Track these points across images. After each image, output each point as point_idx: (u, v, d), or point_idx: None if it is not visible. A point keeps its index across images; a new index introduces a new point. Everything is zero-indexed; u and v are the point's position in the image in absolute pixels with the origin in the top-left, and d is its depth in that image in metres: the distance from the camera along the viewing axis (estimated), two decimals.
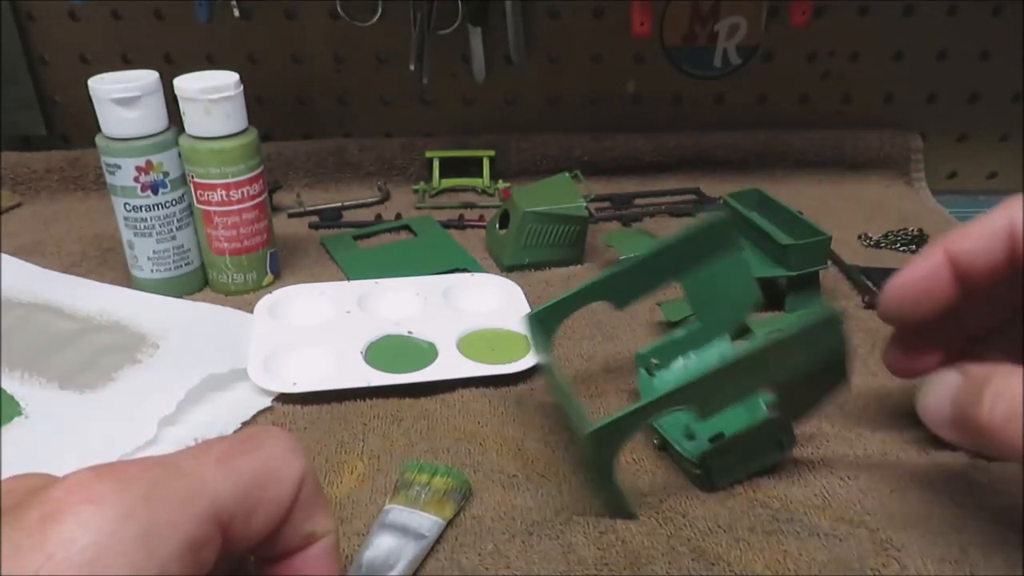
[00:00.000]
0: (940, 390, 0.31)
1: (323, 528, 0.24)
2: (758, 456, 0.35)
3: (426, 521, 0.32)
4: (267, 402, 0.41)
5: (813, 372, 0.32)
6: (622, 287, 0.38)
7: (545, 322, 0.39)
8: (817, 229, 0.48)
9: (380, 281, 0.51)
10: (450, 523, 0.33)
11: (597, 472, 0.33)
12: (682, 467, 0.36)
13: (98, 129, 0.48)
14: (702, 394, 0.31)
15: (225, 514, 0.21)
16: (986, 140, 0.75)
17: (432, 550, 0.32)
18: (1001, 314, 0.34)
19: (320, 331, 0.46)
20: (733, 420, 0.36)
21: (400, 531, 0.32)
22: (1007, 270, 0.31)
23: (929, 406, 0.31)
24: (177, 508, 0.20)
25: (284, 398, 0.41)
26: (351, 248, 0.59)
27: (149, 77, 0.48)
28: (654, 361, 0.41)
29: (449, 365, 0.43)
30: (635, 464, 0.37)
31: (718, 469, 0.35)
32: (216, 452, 0.22)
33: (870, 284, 0.52)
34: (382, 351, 0.45)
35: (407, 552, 0.31)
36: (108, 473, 0.19)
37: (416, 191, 0.68)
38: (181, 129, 0.49)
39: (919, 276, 0.33)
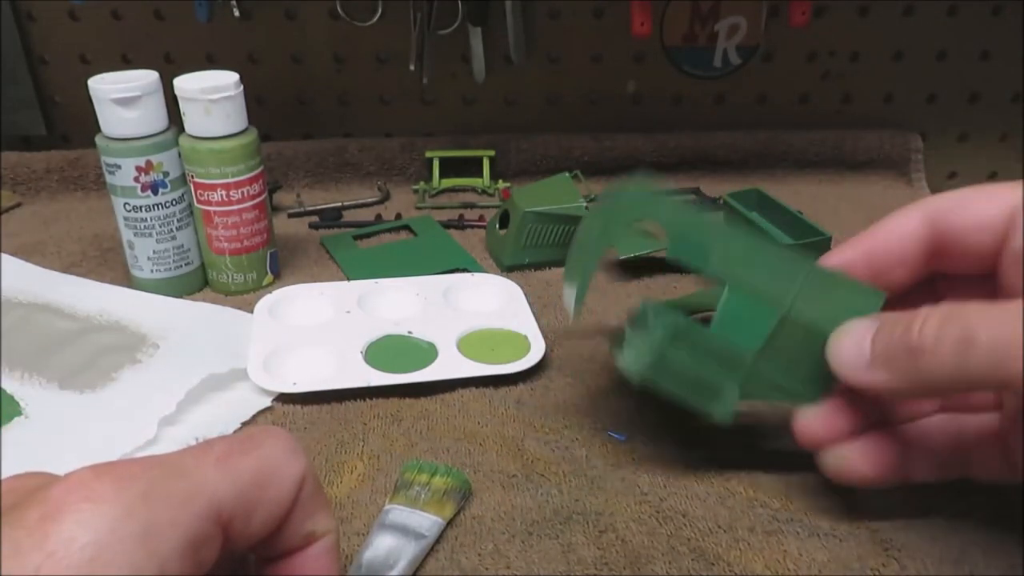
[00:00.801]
0: (857, 332, 0.30)
1: (323, 527, 0.24)
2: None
3: (426, 521, 0.32)
4: (267, 402, 0.41)
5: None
6: None
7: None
8: (817, 229, 0.48)
9: (380, 281, 0.51)
10: (450, 523, 0.33)
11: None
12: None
13: (98, 129, 0.48)
14: (724, 244, 0.30)
15: (225, 513, 0.21)
16: (986, 140, 0.75)
17: (432, 550, 0.32)
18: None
19: (320, 331, 0.46)
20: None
21: (400, 531, 0.32)
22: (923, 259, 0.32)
23: (844, 348, 0.30)
24: (177, 507, 0.20)
25: (284, 398, 0.41)
26: (351, 248, 0.59)
27: (149, 77, 0.48)
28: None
29: (449, 365, 0.43)
30: (635, 463, 0.37)
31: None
32: (216, 452, 0.22)
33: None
34: (382, 351, 0.45)
35: (407, 552, 0.31)
36: (107, 472, 0.19)
37: (416, 191, 0.68)
38: (181, 129, 0.49)
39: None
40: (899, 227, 0.32)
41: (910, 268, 0.32)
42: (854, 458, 0.31)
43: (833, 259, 0.33)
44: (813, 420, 0.32)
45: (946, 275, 0.33)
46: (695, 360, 0.33)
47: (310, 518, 0.24)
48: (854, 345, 0.29)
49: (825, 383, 0.32)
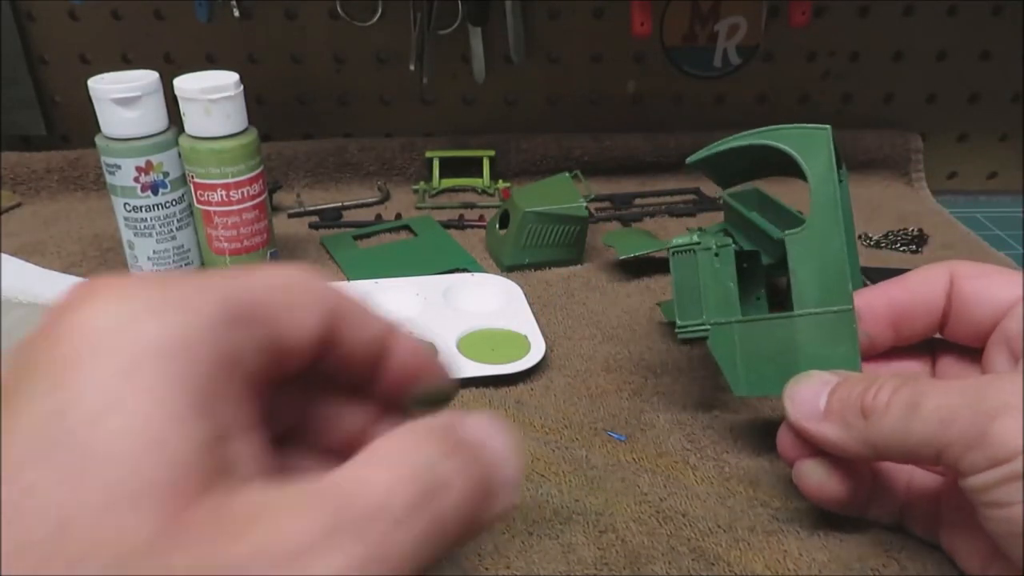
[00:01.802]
0: (816, 383, 0.30)
1: (385, 326, 0.22)
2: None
3: None
4: None
5: None
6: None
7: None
8: None
9: (380, 281, 0.51)
10: None
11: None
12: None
13: (98, 129, 0.48)
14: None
15: (244, 309, 0.18)
16: (986, 140, 0.75)
17: None
18: None
19: None
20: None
21: None
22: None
23: (800, 395, 0.31)
24: (195, 294, 0.18)
25: None
26: (351, 248, 0.59)
27: (149, 77, 0.48)
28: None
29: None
30: (635, 463, 0.37)
31: None
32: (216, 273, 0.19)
33: (869, 284, 0.52)
34: None
35: None
36: (103, 284, 0.17)
37: (416, 191, 0.68)
38: (181, 129, 0.49)
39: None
40: (927, 280, 0.33)
41: (929, 321, 0.33)
42: (825, 475, 0.31)
43: (858, 300, 0.34)
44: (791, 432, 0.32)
45: (944, 340, 0.34)
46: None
47: (366, 319, 0.21)
48: (812, 395, 0.30)
49: None
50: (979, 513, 0.26)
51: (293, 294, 0.20)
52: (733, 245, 0.35)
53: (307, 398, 0.23)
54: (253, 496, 0.16)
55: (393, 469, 0.17)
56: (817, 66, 0.72)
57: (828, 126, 0.33)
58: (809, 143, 0.34)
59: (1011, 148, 0.75)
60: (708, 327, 0.35)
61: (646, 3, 0.65)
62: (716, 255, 0.35)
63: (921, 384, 0.27)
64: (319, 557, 0.15)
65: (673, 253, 0.36)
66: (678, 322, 0.36)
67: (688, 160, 0.36)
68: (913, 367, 0.34)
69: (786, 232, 0.34)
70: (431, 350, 0.24)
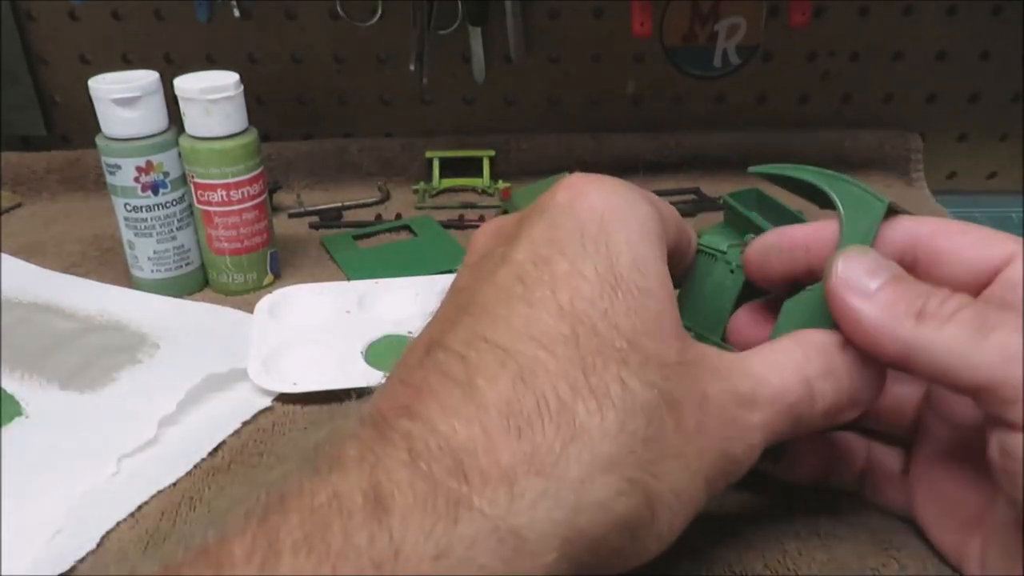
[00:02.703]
0: (874, 261, 0.27)
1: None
2: None
3: None
4: (267, 402, 0.41)
5: None
6: None
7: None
8: None
9: (380, 281, 0.51)
10: None
11: None
12: None
13: (98, 129, 0.48)
14: None
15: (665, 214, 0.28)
16: (986, 140, 0.75)
17: None
18: None
19: (320, 331, 0.46)
20: None
21: None
22: None
23: (853, 264, 0.27)
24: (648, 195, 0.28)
25: (284, 398, 0.41)
26: (351, 248, 0.59)
27: (149, 77, 0.48)
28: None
29: None
30: None
31: None
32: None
33: None
34: (382, 351, 0.45)
35: None
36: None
37: (416, 191, 0.68)
38: (181, 129, 0.49)
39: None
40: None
41: None
42: (796, 455, 0.32)
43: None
44: None
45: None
46: None
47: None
48: (866, 270, 0.26)
49: None
50: (1001, 469, 0.24)
51: (668, 218, 0.28)
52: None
53: None
54: (704, 360, 0.25)
55: (791, 368, 0.26)
56: (817, 66, 0.72)
57: (887, 200, 0.29)
58: (861, 207, 0.30)
59: (1011, 148, 0.75)
60: (692, 335, 0.34)
61: (646, 3, 0.65)
62: (732, 272, 0.34)
63: (994, 312, 0.24)
64: (750, 412, 0.25)
65: (698, 251, 0.35)
66: (703, 241, 0.36)
67: (750, 168, 0.35)
68: None
69: (786, 299, 0.31)
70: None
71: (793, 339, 0.27)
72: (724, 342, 0.34)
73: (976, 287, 0.27)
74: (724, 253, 0.34)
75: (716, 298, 0.34)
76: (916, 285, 0.26)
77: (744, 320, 0.33)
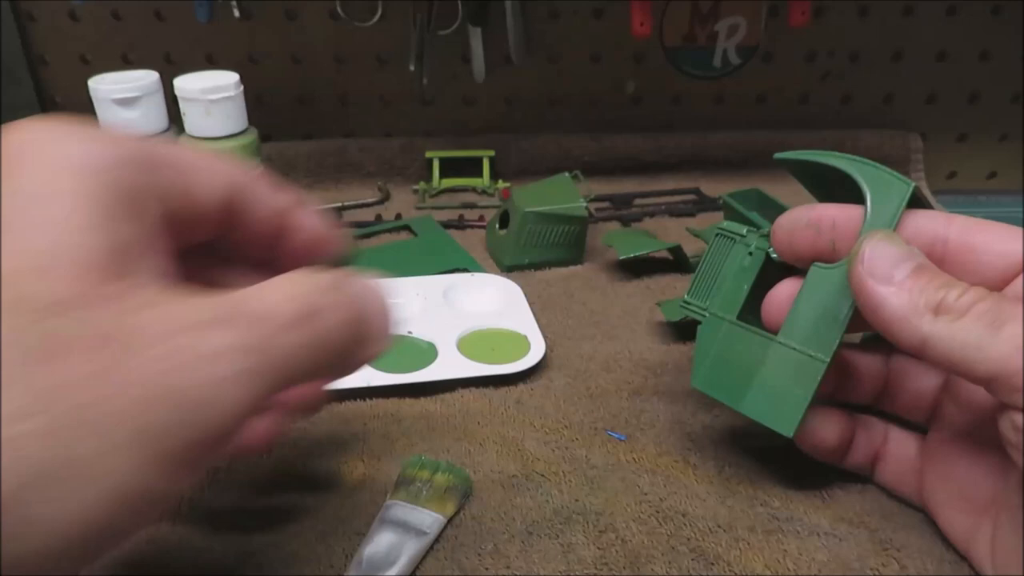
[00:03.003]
0: (900, 250, 0.28)
1: (288, 202, 0.26)
2: None
3: (427, 518, 0.32)
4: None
5: None
6: None
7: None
8: None
9: (380, 281, 0.51)
10: (450, 522, 0.33)
11: None
12: None
13: None
14: None
15: (158, 158, 0.22)
16: (986, 140, 0.75)
17: (432, 549, 0.32)
18: None
19: None
20: None
21: (401, 527, 0.32)
22: None
23: (879, 252, 0.28)
24: (117, 136, 0.21)
25: None
26: (351, 248, 0.59)
27: (149, 77, 0.48)
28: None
29: (449, 365, 0.43)
30: (635, 463, 0.37)
31: None
32: None
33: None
34: None
35: (408, 549, 0.31)
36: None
37: (416, 191, 0.68)
38: (181, 129, 0.49)
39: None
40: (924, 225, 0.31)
41: None
42: (820, 420, 0.33)
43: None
44: None
45: None
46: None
47: (267, 195, 0.25)
48: (891, 259, 0.28)
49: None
50: (1013, 445, 0.26)
51: (203, 162, 0.23)
52: (769, 250, 0.35)
53: (218, 270, 0.27)
54: (152, 291, 0.19)
55: (281, 291, 0.21)
56: (817, 66, 0.72)
57: (913, 184, 0.31)
58: (887, 190, 0.32)
59: (1011, 148, 0.75)
60: (707, 314, 0.36)
61: (646, 3, 0.65)
62: (750, 254, 0.36)
63: (1009, 305, 0.25)
64: (213, 334, 0.18)
65: (717, 234, 0.37)
66: (686, 296, 0.37)
67: (776, 156, 0.36)
68: None
69: (814, 263, 0.32)
70: (329, 223, 0.27)
71: (305, 271, 0.23)
72: (741, 321, 0.35)
73: (1005, 279, 0.28)
74: (743, 236, 0.36)
75: (734, 279, 0.36)
76: (937, 277, 0.27)
77: (780, 297, 0.33)
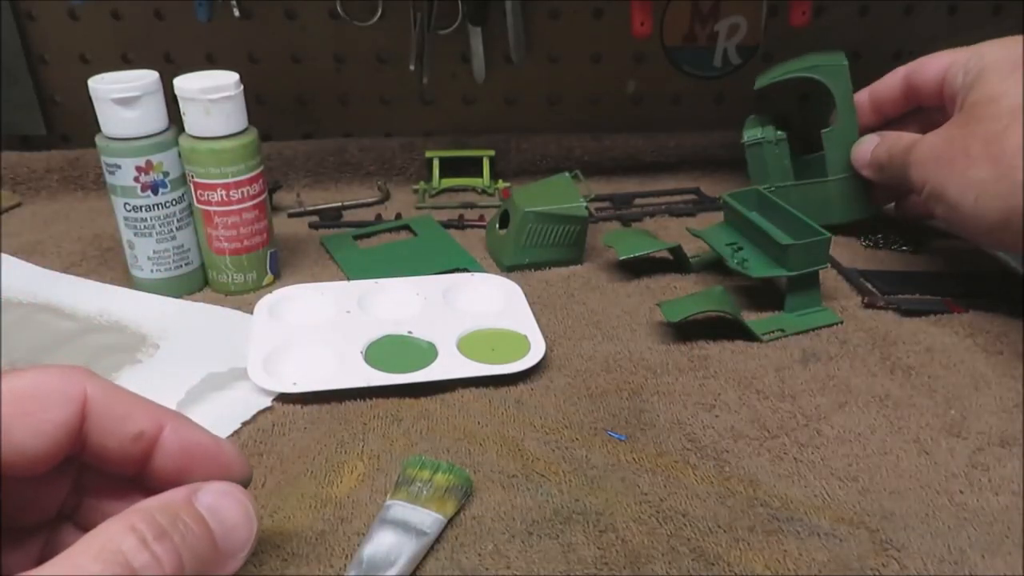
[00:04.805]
0: (867, 143, 0.55)
1: (151, 424, 0.24)
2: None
3: (427, 518, 0.32)
4: (267, 402, 0.41)
5: None
6: None
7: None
8: (817, 229, 0.48)
9: (380, 281, 0.51)
10: (451, 522, 0.33)
11: None
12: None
13: (98, 129, 0.48)
14: None
15: None
16: None
17: (432, 549, 0.32)
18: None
19: (320, 331, 0.46)
20: None
21: (401, 527, 0.32)
22: (903, 100, 0.55)
23: (856, 154, 0.56)
24: None
25: (284, 398, 0.41)
26: (351, 248, 0.59)
27: (149, 77, 0.48)
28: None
29: (449, 365, 0.43)
30: (635, 463, 0.37)
31: None
32: None
33: (869, 285, 0.52)
34: (382, 351, 0.45)
35: (408, 549, 0.31)
36: None
37: (416, 191, 0.68)
38: (181, 129, 0.49)
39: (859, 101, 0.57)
40: (889, 79, 0.55)
41: (896, 104, 0.55)
42: (872, 141, 0.55)
43: (856, 97, 0.57)
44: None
45: (922, 107, 0.54)
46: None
47: (125, 420, 0.23)
48: (863, 150, 0.55)
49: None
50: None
51: (32, 403, 0.22)
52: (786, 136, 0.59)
53: (81, 482, 0.26)
54: None
55: (97, 558, 0.19)
56: None
57: (843, 55, 0.57)
58: (836, 73, 0.57)
59: None
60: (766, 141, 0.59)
61: (646, 3, 0.65)
62: (776, 146, 0.59)
63: (905, 139, 0.50)
64: None
65: (747, 147, 0.59)
66: (746, 139, 0.60)
67: (756, 87, 0.60)
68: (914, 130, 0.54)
69: (823, 130, 0.57)
70: (215, 444, 0.26)
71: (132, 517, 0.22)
72: (800, 180, 0.59)
73: (939, 80, 0.50)
74: (764, 139, 0.59)
75: (776, 167, 0.59)
76: (888, 139, 0.53)
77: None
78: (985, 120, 0.43)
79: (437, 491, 0.34)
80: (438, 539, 0.33)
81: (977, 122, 0.43)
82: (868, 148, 0.54)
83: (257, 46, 0.70)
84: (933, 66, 0.50)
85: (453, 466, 0.35)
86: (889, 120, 0.56)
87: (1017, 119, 0.42)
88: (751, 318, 0.49)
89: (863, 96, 0.56)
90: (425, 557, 0.32)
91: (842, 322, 0.49)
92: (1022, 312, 0.49)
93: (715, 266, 0.55)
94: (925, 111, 0.53)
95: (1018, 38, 0.46)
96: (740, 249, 0.51)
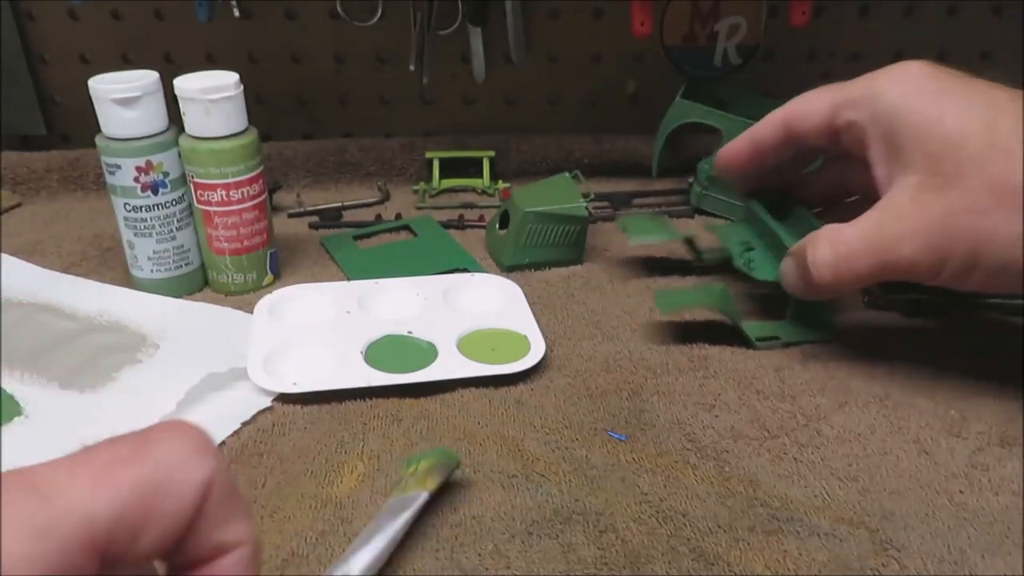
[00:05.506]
0: (786, 263, 0.45)
1: (236, 538, 0.21)
2: None
3: (408, 500, 0.32)
4: (267, 402, 0.41)
5: None
6: None
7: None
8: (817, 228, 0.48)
9: (380, 281, 0.51)
10: (449, 517, 0.33)
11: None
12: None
13: (98, 129, 0.48)
14: None
15: (101, 537, 0.18)
16: None
17: (432, 549, 0.32)
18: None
19: (320, 331, 0.46)
20: None
21: (385, 516, 0.32)
22: (784, 146, 0.49)
23: (781, 273, 0.45)
24: (34, 539, 0.17)
25: (284, 398, 0.42)
26: (351, 248, 0.59)
27: (149, 77, 0.48)
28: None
29: (449, 365, 0.43)
30: (635, 463, 0.37)
31: None
32: (97, 462, 0.20)
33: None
34: (382, 351, 0.45)
35: (383, 524, 0.31)
36: None
37: (416, 191, 0.68)
38: (181, 129, 0.49)
39: (737, 149, 0.51)
40: (767, 125, 0.49)
41: (778, 149, 0.49)
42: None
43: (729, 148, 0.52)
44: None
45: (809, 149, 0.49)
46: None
47: (219, 528, 0.21)
48: (785, 268, 0.45)
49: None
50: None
51: (158, 498, 0.20)
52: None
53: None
54: None
55: None
56: (817, 66, 0.72)
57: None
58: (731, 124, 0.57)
59: None
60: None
61: (646, 3, 0.65)
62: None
63: (847, 235, 0.42)
64: None
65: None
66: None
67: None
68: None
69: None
70: None
71: None
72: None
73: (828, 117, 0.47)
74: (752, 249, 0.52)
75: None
76: (819, 247, 0.43)
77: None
78: (967, 170, 0.39)
79: (419, 475, 0.34)
80: (436, 538, 0.32)
81: (959, 177, 0.39)
82: (789, 263, 0.44)
83: (257, 46, 0.70)
84: (814, 110, 0.47)
85: (436, 449, 0.35)
86: (769, 167, 0.50)
87: (1000, 155, 0.39)
88: (753, 323, 0.49)
89: (742, 142, 0.51)
90: (425, 557, 0.32)
91: (831, 341, 0.47)
92: (1022, 312, 0.49)
93: (724, 269, 0.54)
94: (809, 153, 0.50)
95: (903, 64, 0.45)
96: (751, 249, 0.50)
